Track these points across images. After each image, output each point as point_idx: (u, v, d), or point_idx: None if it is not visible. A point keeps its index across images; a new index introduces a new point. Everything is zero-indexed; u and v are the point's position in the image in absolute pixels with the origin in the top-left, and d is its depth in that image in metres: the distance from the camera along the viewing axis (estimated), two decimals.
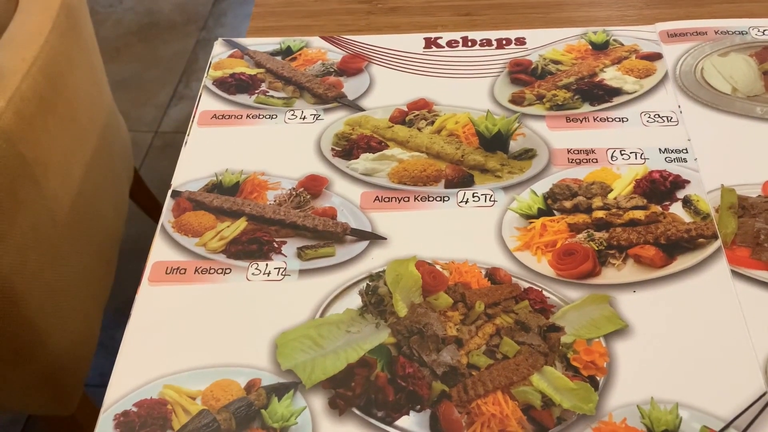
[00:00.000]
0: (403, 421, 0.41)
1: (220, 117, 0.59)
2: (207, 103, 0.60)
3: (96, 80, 0.97)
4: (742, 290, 0.44)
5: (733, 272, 0.45)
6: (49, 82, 0.79)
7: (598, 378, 0.42)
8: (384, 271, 0.48)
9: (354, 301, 0.46)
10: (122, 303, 0.45)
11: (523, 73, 0.60)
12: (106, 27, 2.17)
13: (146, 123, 1.76)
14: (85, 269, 0.89)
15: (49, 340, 0.80)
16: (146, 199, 1.21)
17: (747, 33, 0.60)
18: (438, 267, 0.48)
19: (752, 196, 0.49)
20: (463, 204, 0.51)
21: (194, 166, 0.56)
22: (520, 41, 0.62)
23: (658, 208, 0.49)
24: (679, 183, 0.50)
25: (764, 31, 0.60)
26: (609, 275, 0.46)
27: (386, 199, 0.52)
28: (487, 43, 0.63)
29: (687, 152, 0.52)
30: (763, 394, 0.40)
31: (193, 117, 0.59)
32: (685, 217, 0.49)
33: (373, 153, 0.55)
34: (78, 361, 0.89)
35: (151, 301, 0.48)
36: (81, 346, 0.90)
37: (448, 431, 0.40)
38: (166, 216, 0.52)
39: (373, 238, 0.50)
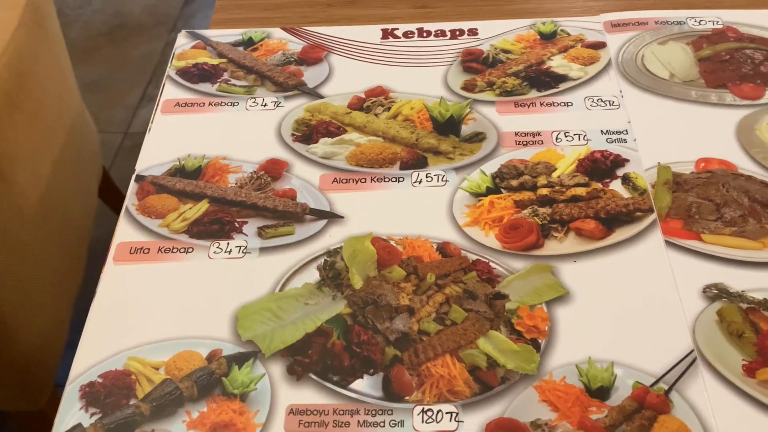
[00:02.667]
0: (358, 384, 0.43)
1: (183, 105, 0.61)
2: (170, 92, 0.62)
3: (63, 79, 0.97)
4: (675, 258, 0.48)
5: (667, 242, 0.48)
6: (15, 79, 0.80)
7: (540, 341, 0.44)
8: (341, 248, 0.50)
9: (312, 275, 0.49)
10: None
11: (474, 62, 0.62)
12: (74, 29, 2.15)
13: (116, 124, 1.76)
14: (54, 265, 0.90)
15: (17, 335, 0.81)
16: (116, 199, 1.22)
17: (685, 23, 0.64)
18: (392, 242, 0.50)
19: (686, 172, 0.52)
20: (417, 184, 0.54)
21: (157, 152, 0.57)
22: (473, 32, 0.65)
23: (598, 185, 0.52)
24: (619, 162, 0.54)
25: (700, 21, 0.64)
26: (551, 247, 0.49)
27: (344, 181, 0.54)
28: (441, 33, 0.65)
29: (627, 133, 0.55)
30: (691, 352, 0.43)
31: (157, 105, 0.61)
32: (624, 193, 0.52)
33: (332, 138, 0.57)
34: (47, 356, 0.90)
35: (115, 279, 0.49)
36: (50, 341, 0.90)
37: (399, 392, 0.42)
38: (130, 199, 0.54)
39: (331, 216, 0.52)
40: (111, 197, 1.22)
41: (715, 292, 0.45)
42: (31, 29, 0.86)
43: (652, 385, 0.42)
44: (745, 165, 0.53)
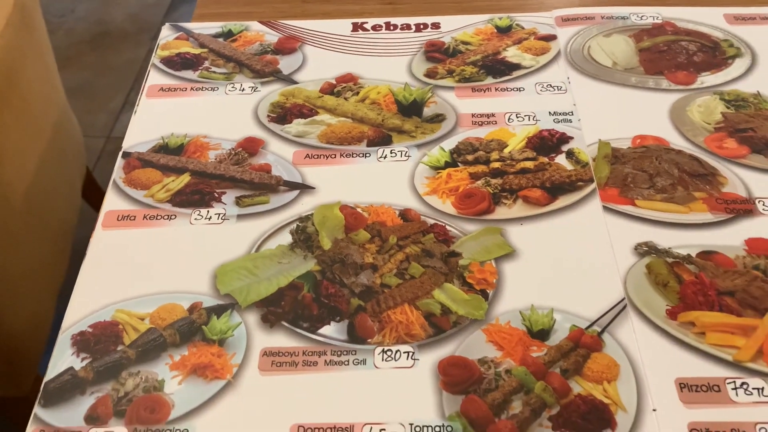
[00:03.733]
0: (325, 330, 0.48)
1: (167, 90, 0.65)
2: (154, 78, 0.66)
3: (49, 78, 1.01)
4: (611, 221, 0.53)
5: (605, 207, 0.54)
6: (3, 76, 0.84)
7: (489, 291, 0.49)
8: (312, 214, 0.55)
9: (285, 239, 0.53)
10: None
11: (437, 52, 0.68)
12: (57, 36, 2.19)
13: (98, 129, 1.79)
14: (40, 255, 0.93)
15: (2, 321, 0.84)
16: (99, 199, 1.24)
17: (628, 18, 0.70)
18: (359, 209, 0.55)
19: (624, 147, 0.58)
20: (382, 159, 0.59)
21: (143, 132, 0.62)
22: (436, 26, 0.71)
23: (545, 159, 0.58)
24: (564, 139, 0.59)
25: (642, 17, 0.70)
26: (501, 212, 0.54)
27: (315, 156, 0.59)
28: (407, 27, 0.71)
29: (572, 114, 0.61)
30: (622, 300, 0.48)
31: (142, 90, 0.65)
32: (568, 166, 0.57)
33: (305, 119, 0.62)
34: (32, 343, 0.93)
35: (103, 242, 0.53)
36: (35, 328, 0.93)
37: (362, 336, 0.47)
38: (117, 173, 0.58)
39: (303, 187, 0.57)
40: (94, 198, 1.25)
41: (645, 249, 0.51)
42: (18, 29, 0.90)
43: (586, 328, 0.47)
44: (677, 141, 0.59)
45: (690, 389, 0.44)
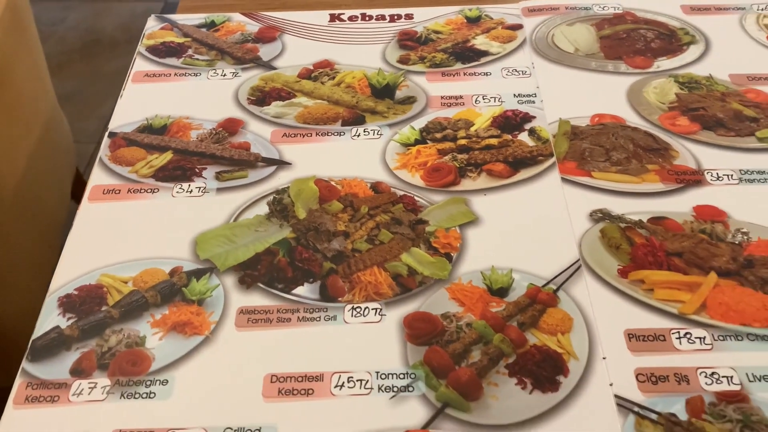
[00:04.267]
0: (299, 290, 0.51)
1: (152, 75, 0.68)
2: (140, 65, 0.69)
3: (40, 77, 1.04)
4: (569, 191, 0.56)
5: (563, 179, 0.57)
6: None
7: (452, 254, 0.52)
8: (288, 187, 0.58)
9: (263, 209, 0.56)
10: None
11: (409, 41, 0.71)
12: (49, 44, 2.21)
13: (89, 135, 1.81)
14: (29, 249, 0.95)
15: None
16: None
17: (591, 9, 0.74)
18: (333, 183, 0.58)
19: (582, 125, 0.61)
20: (356, 137, 0.62)
21: (128, 114, 0.65)
22: (409, 16, 0.74)
23: (508, 136, 0.61)
24: (527, 118, 0.63)
25: (604, 7, 0.74)
26: (466, 184, 0.57)
27: (292, 135, 0.62)
28: (382, 18, 0.74)
29: (535, 96, 0.65)
30: (577, 261, 0.51)
31: (128, 76, 0.68)
32: (530, 142, 0.61)
33: (283, 101, 0.65)
34: (20, 336, 0.94)
35: (90, 214, 0.56)
36: (24, 322, 0.95)
37: (333, 295, 0.50)
38: (103, 151, 0.61)
39: (280, 163, 0.60)
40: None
41: (600, 215, 0.54)
42: (9, 29, 0.92)
43: (543, 286, 0.50)
44: (633, 119, 0.62)
45: (637, 339, 0.47)
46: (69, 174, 1.15)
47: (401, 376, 0.45)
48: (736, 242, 0.52)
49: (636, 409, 0.43)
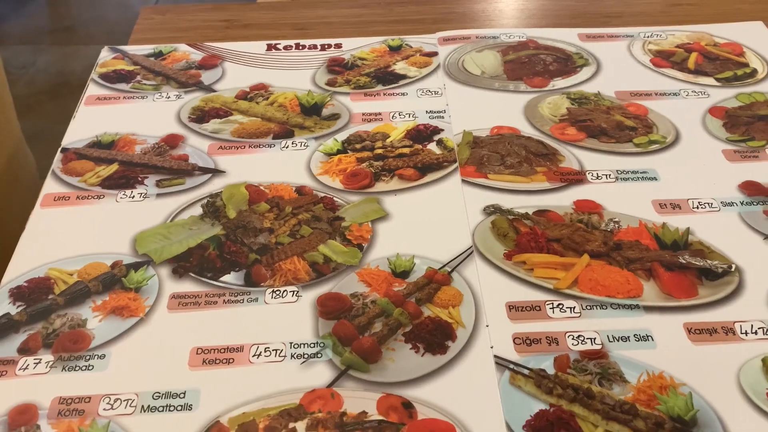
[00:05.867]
0: (226, 278, 0.57)
1: (103, 99, 0.76)
2: (92, 90, 0.77)
3: (4, 110, 1.10)
4: (467, 191, 0.64)
5: (463, 180, 0.65)
6: None
7: (364, 245, 0.60)
8: (221, 192, 0.65)
9: (197, 211, 0.63)
10: None
11: (337, 66, 0.80)
12: (18, 86, 2.28)
13: None
14: None
15: None
16: None
17: (498, 37, 0.84)
18: (261, 187, 0.65)
19: (483, 135, 0.70)
20: (284, 149, 0.70)
21: (80, 133, 0.72)
22: (338, 46, 0.83)
23: (419, 146, 0.69)
24: (437, 130, 0.71)
25: (510, 36, 0.84)
26: (380, 186, 0.65)
27: (228, 148, 0.70)
28: (314, 47, 0.83)
29: (445, 112, 0.73)
30: (469, 247, 0.59)
31: (81, 100, 0.75)
32: (438, 151, 0.69)
33: (221, 119, 0.73)
34: None
35: (41, 218, 0.63)
36: None
37: (257, 281, 0.57)
38: (56, 164, 0.68)
39: (215, 172, 0.67)
40: None
41: (492, 210, 0.62)
42: None
43: (439, 269, 0.57)
44: (528, 130, 0.71)
45: (517, 310, 0.54)
46: (33, 206, 1.20)
47: (312, 345, 0.52)
48: (609, 230, 0.61)
49: (511, 366, 0.50)
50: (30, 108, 2.15)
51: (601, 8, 0.92)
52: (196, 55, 0.82)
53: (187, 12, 0.93)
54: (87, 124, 0.73)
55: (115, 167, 0.67)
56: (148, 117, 0.73)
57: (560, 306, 0.55)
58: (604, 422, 0.47)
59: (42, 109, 2.15)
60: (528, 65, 0.79)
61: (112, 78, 0.78)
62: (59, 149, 0.69)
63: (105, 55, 0.82)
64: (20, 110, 1.16)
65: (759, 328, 0.53)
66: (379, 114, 0.74)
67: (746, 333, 0.53)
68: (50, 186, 0.65)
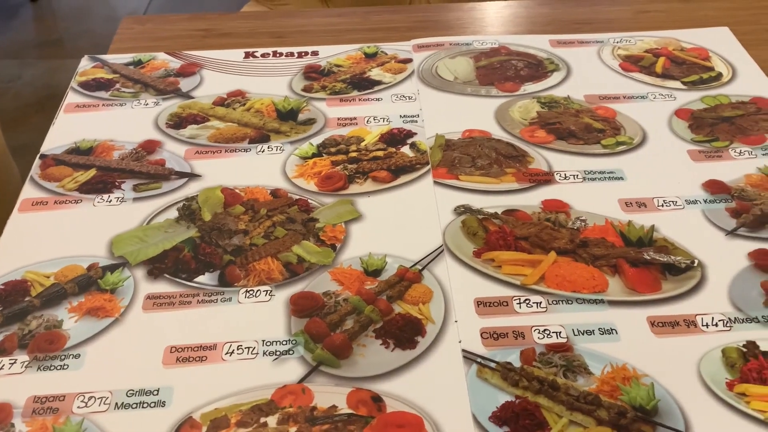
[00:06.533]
0: (200, 279, 0.58)
1: (82, 106, 0.77)
2: (72, 98, 0.78)
3: None
4: (439, 191, 0.66)
5: (435, 182, 0.67)
6: None
7: (337, 245, 0.61)
8: (197, 195, 0.66)
9: (173, 215, 0.64)
10: None
11: (314, 73, 0.82)
12: (5, 100, 2.28)
13: None
14: None
15: None
16: None
17: (471, 44, 0.86)
18: (237, 190, 0.66)
19: (455, 139, 0.72)
20: (260, 153, 0.71)
21: (59, 139, 0.73)
22: (315, 53, 0.85)
23: (393, 149, 0.71)
24: (410, 134, 0.73)
25: (483, 43, 0.86)
26: (354, 188, 0.67)
27: (204, 152, 0.71)
28: (291, 54, 0.85)
29: (418, 117, 0.75)
30: (440, 246, 0.60)
31: (60, 108, 0.76)
32: (411, 154, 0.70)
33: (198, 125, 0.74)
34: None
35: (19, 222, 0.63)
36: None
37: (231, 281, 0.58)
38: (34, 170, 0.69)
39: (191, 176, 0.68)
40: None
41: (462, 210, 0.64)
42: None
43: (411, 267, 0.59)
44: (498, 133, 0.73)
45: (485, 305, 0.55)
46: None
47: (284, 342, 0.53)
48: (575, 228, 0.62)
49: (479, 359, 0.52)
50: (16, 121, 2.16)
51: (573, 15, 0.94)
52: (175, 64, 0.83)
53: (166, 22, 0.94)
54: (66, 131, 0.74)
55: (93, 172, 0.68)
56: (126, 124, 0.74)
57: (527, 301, 0.56)
58: (568, 413, 0.49)
59: (28, 122, 2.16)
60: (500, 71, 0.81)
61: (92, 86, 0.79)
62: (38, 155, 0.70)
63: (85, 64, 0.83)
64: (6, 123, 1.17)
65: (719, 321, 0.54)
66: (354, 119, 0.75)
67: (707, 325, 0.54)
68: (28, 191, 0.66)
